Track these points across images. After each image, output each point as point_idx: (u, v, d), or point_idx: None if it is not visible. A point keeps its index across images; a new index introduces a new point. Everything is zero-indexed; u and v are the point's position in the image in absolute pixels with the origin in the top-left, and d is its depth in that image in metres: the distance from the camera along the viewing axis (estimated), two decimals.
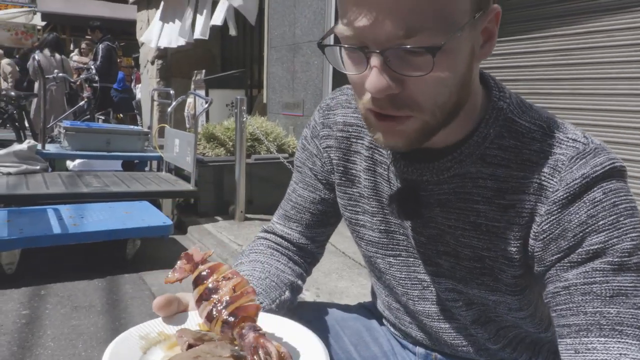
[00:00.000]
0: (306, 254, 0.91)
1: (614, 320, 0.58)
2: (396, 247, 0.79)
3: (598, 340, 0.58)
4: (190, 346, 0.55)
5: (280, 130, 4.41)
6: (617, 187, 0.61)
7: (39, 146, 4.22)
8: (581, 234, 0.60)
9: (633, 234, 0.59)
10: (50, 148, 4.40)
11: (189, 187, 3.81)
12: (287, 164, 3.66)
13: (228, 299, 0.56)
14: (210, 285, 0.57)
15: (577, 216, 0.61)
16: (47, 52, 6.71)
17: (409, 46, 0.55)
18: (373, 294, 0.98)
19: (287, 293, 0.81)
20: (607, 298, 0.58)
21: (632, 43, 2.81)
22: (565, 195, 0.61)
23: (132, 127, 5.60)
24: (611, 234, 0.59)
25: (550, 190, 0.62)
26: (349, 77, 0.63)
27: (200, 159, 3.92)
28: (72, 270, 2.88)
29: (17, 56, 10.62)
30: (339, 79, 4.22)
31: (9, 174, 3.75)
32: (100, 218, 3.05)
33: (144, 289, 2.70)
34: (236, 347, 0.55)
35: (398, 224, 0.77)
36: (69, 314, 2.37)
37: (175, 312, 0.64)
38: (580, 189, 0.61)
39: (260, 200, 4.04)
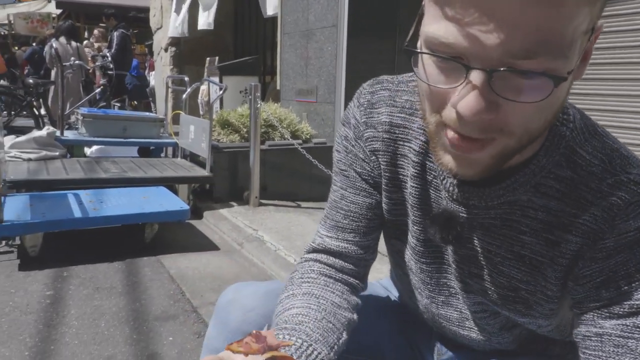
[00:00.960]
0: (361, 267, 0.82)
1: None
2: (432, 255, 0.76)
3: None
4: None
5: (293, 117, 4.44)
6: None
7: (58, 133, 4.30)
8: (626, 287, 0.56)
9: None
10: (69, 135, 4.48)
11: (205, 173, 3.86)
12: (301, 150, 3.70)
13: None
14: None
15: (625, 268, 0.56)
16: (63, 40, 6.78)
17: (526, 68, 0.46)
18: (392, 275, 1.00)
19: (345, 335, 0.73)
20: None
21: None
22: (614, 246, 0.57)
23: (147, 114, 5.67)
24: None
25: (600, 236, 0.58)
26: (428, 87, 0.53)
27: (215, 145, 3.97)
28: (92, 254, 2.96)
29: (34, 44, 10.74)
30: (353, 66, 4.22)
31: (29, 159, 3.84)
32: (119, 203, 3.12)
33: (163, 272, 2.77)
34: None
35: None
36: (91, 294, 2.45)
37: None
38: (632, 242, 0.56)
39: (274, 186, 4.09)
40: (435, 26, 0.49)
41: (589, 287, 0.59)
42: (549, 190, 0.61)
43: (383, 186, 0.77)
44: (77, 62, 5.96)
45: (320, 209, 3.91)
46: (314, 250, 0.83)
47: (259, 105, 3.78)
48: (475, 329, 0.78)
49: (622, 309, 0.56)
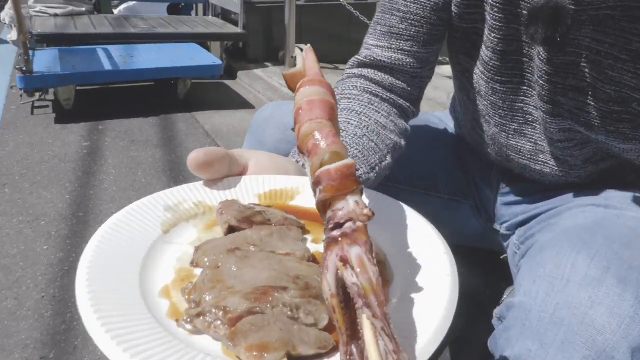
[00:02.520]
0: (415, 87, 0.69)
1: None
2: (510, 72, 0.62)
3: None
4: (231, 229, 0.38)
5: None
6: None
7: None
8: None
9: None
10: None
11: (237, 30, 3.62)
12: (346, 4, 3.36)
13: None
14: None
15: None
16: None
17: None
18: (453, 105, 0.85)
19: (389, 158, 0.61)
20: None
21: None
22: None
23: None
24: None
25: None
26: None
27: (249, 0, 3.67)
28: (127, 109, 2.90)
29: None
30: None
31: (55, 15, 3.67)
32: (150, 57, 2.98)
33: (197, 127, 2.70)
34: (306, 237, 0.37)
35: (525, 45, 0.59)
36: (127, 146, 2.42)
37: (223, 175, 0.44)
38: None
39: (313, 46, 3.83)
40: None
41: None
42: None
43: None
44: None
45: None
46: (360, 65, 0.69)
47: None
48: (552, 162, 0.65)
49: None
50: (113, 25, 3.54)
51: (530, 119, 0.64)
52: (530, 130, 0.65)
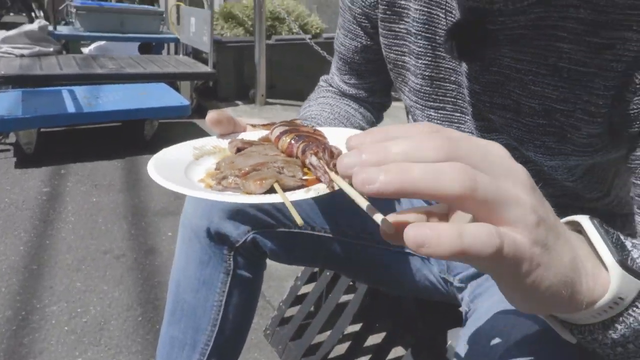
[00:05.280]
0: (371, 104, 0.85)
1: None
2: (441, 97, 0.66)
3: None
4: (239, 150, 0.55)
5: (302, 9, 4.08)
6: None
7: (51, 27, 4.03)
8: None
9: None
10: (63, 29, 4.21)
11: (207, 69, 3.62)
12: (312, 44, 3.40)
13: (307, 130, 0.54)
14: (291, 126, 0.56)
15: None
16: None
17: None
18: None
19: None
20: None
21: None
22: None
23: (146, 6, 5.30)
24: None
25: None
26: None
27: (218, 39, 3.69)
28: (91, 152, 2.84)
29: None
30: None
31: (22, 55, 3.62)
32: (116, 98, 2.94)
33: None
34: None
35: (449, 69, 0.62)
36: (89, 191, 2.36)
37: (230, 132, 0.61)
38: None
39: (283, 84, 3.85)
40: None
41: None
42: None
43: (380, 15, 0.69)
44: None
45: None
46: (325, 81, 0.88)
47: None
48: None
49: None
50: (80, 66, 3.51)
51: None
52: None
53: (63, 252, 1.83)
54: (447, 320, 0.90)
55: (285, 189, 0.45)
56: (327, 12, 4.23)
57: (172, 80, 3.57)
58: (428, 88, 0.66)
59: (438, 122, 0.67)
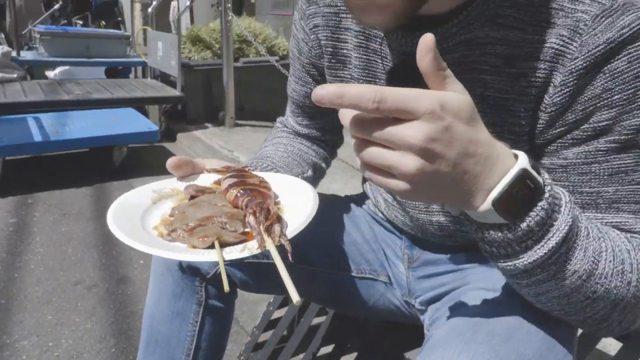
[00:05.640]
0: (323, 142, 0.92)
1: (610, 199, 0.56)
2: None
3: (595, 216, 0.56)
4: (192, 197, 0.62)
5: (269, 32, 4.16)
6: None
7: (14, 53, 3.98)
8: (591, 107, 0.53)
9: None
10: (27, 55, 4.16)
11: (176, 92, 3.64)
12: (278, 66, 3.47)
13: (253, 182, 0.62)
14: (240, 176, 0.64)
15: (592, 89, 0.53)
16: None
17: None
18: (363, 177, 0.92)
19: (310, 172, 0.84)
20: (606, 177, 0.55)
21: None
22: (584, 65, 0.52)
23: (112, 30, 5.29)
24: (623, 109, 0.52)
25: (569, 57, 0.53)
26: None
27: (186, 63, 3.72)
28: (58, 180, 2.81)
29: None
30: None
31: None
32: (84, 125, 2.93)
33: None
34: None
35: None
36: (58, 220, 2.33)
37: (189, 174, 0.67)
38: (602, 58, 0.52)
39: (251, 105, 3.90)
40: None
41: (556, 112, 0.56)
42: (506, 20, 0.57)
43: (326, 64, 0.76)
44: None
45: None
46: (281, 122, 0.95)
47: (230, 17, 3.49)
48: (443, 210, 0.73)
49: (583, 133, 0.55)
50: (45, 92, 3.47)
51: None
52: None
53: (32, 285, 1.81)
54: (413, 341, 0.95)
55: (226, 244, 0.52)
56: None
57: (140, 105, 3.57)
58: None
59: None
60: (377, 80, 0.69)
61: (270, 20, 4.50)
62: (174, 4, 5.58)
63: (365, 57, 0.69)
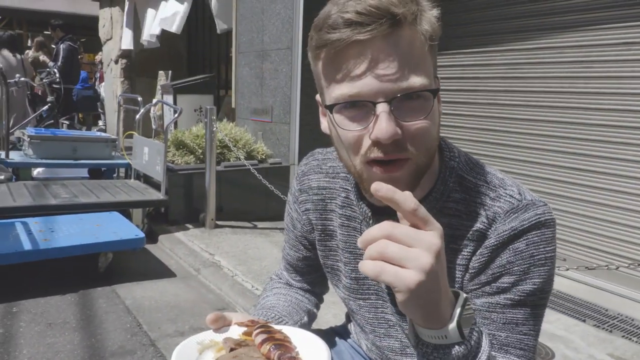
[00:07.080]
0: (312, 292, 1.10)
1: (502, 342, 0.75)
2: (366, 291, 0.90)
3: None
4: (232, 349, 0.76)
5: (249, 137, 4.48)
6: (539, 239, 0.74)
7: (2, 155, 4.15)
8: (498, 274, 0.75)
9: (536, 280, 0.74)
10: (15, 156, 4.32)
11: (160, 196, 3.84)
12: (254, 171, 3.75)
13: (279, 338, 0.77)
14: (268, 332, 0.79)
15: (500, 260, 0.74)
16: (5, 52, 6.50)
17: (415, 87, 0.65)
18: (347, 318, 1.12)
19: (306, 318, 1.02)
20: (501, 325, 0.75)
21: (579, 60, 3.02)
22: (495, 243, 0.74)
23: (99, 134, 5.54)
24: (520, 277, 0.73)
25: (486, 236, 0.76)
26: (344, 137, 0.71)
27: (170, 167, 3.95)
28: (43, 286, 2.89)
29: None
30: (307, 87, 4.31)
31: None
32: (71, 232, 3.06)
33: (118, 303, 2.75)
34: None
35: None
36: (43, 331, 2.40)
37: (222, 326, 0.82)
38: (509, 239, 0.74)
39: (231, 207, 4.12)
40: (338, 91, 0.68)
41: (473, 274, 0.76)
42: (449, 210, 0.78)
43: (317, 237, 0.96)
44: (22, 79, 5.72)
45: (275, 229, 3.96)
46: (277, 276, 1.13)
47: (215, 128, 3.80)
48: (413, 353, 0.88)
49: (490, 289, 0.75)
50: (33, 195, 3.62)
51: (391, 323, 0.90)
52: (394, 332, 0.90)
53: None
54: None
55: None
56: (271, 139, 4.65)
57: (124, 208, 3.74)
58: (355, 285, 0.91)
59: (365, 309, 0.91)
60: (358, 251, 0.87)
61: (250, 125, 4.85)
62: (155, 100, 5.89)
63: (347, 233, 0.89)
